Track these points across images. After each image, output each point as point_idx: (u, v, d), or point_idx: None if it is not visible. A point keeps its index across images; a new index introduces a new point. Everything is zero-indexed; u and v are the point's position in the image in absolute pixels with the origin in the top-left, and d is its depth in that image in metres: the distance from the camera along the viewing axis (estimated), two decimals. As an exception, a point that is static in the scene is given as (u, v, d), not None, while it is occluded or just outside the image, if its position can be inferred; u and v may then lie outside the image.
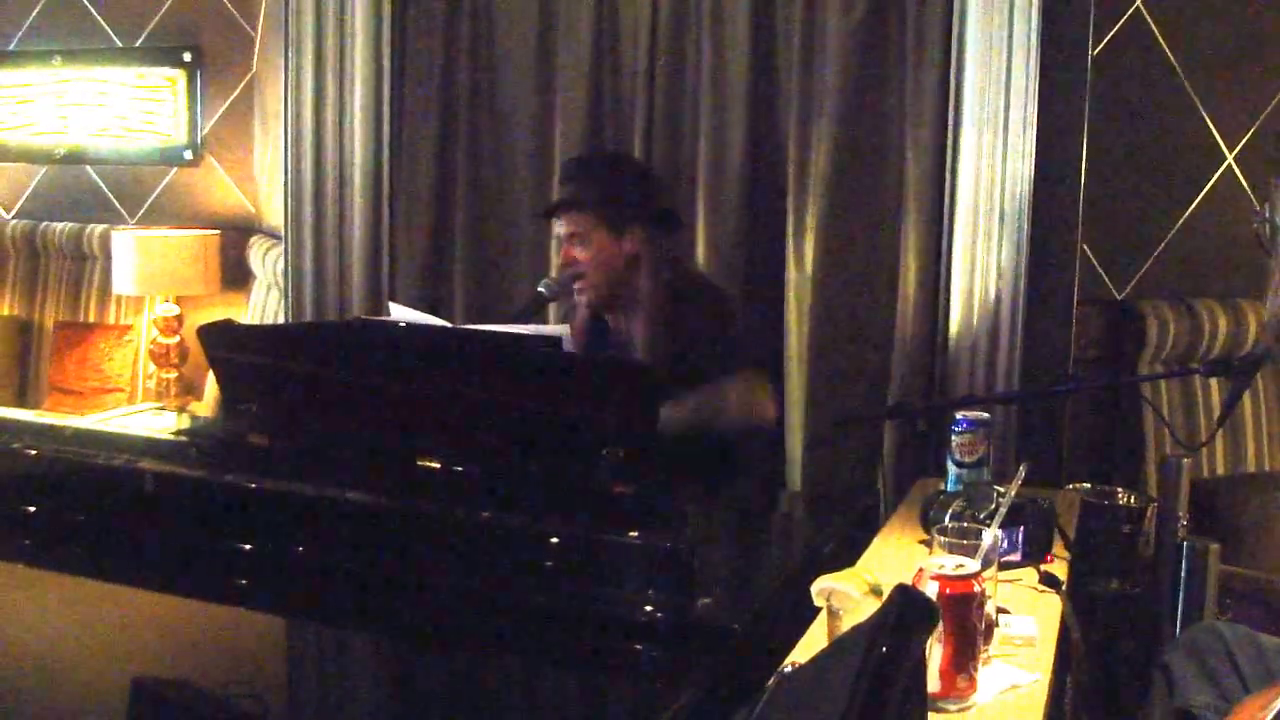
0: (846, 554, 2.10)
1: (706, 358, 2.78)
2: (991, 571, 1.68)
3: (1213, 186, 3.33)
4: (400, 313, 2.72)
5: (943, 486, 2.39)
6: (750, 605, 1.81)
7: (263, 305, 4.22)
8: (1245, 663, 1.91)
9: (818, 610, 1.64)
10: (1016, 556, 2.08)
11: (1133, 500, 2.65)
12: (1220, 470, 3.27)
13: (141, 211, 4.80)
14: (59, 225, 4.83)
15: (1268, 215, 2.10)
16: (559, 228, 2.86)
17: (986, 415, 2.40)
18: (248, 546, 1.96)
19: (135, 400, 4.54)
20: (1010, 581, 2.01)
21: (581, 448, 2.04)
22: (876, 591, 1.56)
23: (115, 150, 4.81)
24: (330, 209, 3.67)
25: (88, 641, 1.83)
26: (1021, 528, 2.09)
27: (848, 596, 1.57)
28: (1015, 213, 3.02)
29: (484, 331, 2.37)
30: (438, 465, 2.11)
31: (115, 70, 4.76)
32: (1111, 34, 3.17)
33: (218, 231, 4.54)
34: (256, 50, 4.47)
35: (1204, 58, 3.28)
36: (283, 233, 3.72)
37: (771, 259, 3.39)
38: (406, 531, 1.92)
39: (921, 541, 2.19)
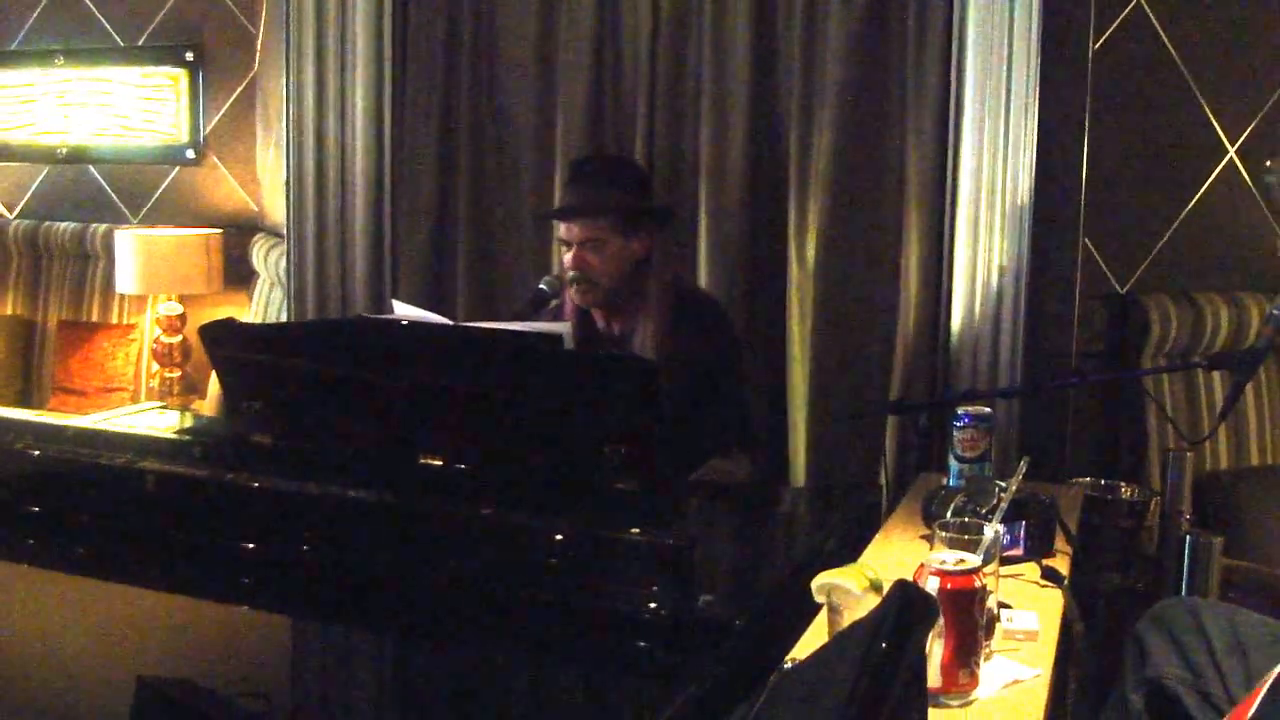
0: (848, 550, 2.10)
1: (706, 365, 2.80)
2: (993, 566, 1.69)
3: (1215, 180, 3.32)
4: (402, 310, 2.72)
5: (945, 482, 2.39)
6: (751, 602, 1.81)
7: (265, 304, 4.23)
8: (1217, 636, 1.91)
9: (819, 606, 1.64)
10: (1018, 551, 2.09)
11: (1135, 494, 2.66)
12: (1223, 464, 3.27)
13: (144, 211, 4.81)
14: (62, 225, 4.84)
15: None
16: (567, 232, 2.85)
17: (988, 410, 2.40)
18: (251, 545, 1.97)
19: (138, 399, 4.54)
20: (1012, 576, 2.01)
21: (583, 444, 2.04)
22: (877, 587, 1.56)
23: (118, 149, 4.82)
24: (332, 207, 3.68)
25: (91, 641, 1.84)
26: (1023, 523, 2.09)
27: (848, 592, 1.57)
28: (1017, 207, 3.02)
29: (486, 329, 2.38)
30: (440, 463, 2.12)
31: (117, 70, 4.77)
32: (1113, 28, 3.17)
33: (220, 230, 4.55)
34: (258, 49, 4.48)
35: (1205, 51, 3.28)
36: (285, 231, 3.73)
37: (773, 256, 3.39)
38: (409, 529, 1.93)
39: (923, 537, 2.19)
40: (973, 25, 3.03)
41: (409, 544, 1.91)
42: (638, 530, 1.79)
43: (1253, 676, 1.85)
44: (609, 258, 2.82)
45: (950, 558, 1.59)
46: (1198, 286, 3.30)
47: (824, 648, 1.31)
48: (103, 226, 4.74)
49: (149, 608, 1.92)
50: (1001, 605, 1.78)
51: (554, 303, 2.94)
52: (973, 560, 1.59)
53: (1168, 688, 1.92)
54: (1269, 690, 1.51)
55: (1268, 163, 1.74)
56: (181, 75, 4.67)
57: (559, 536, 1.79)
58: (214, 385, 4.23)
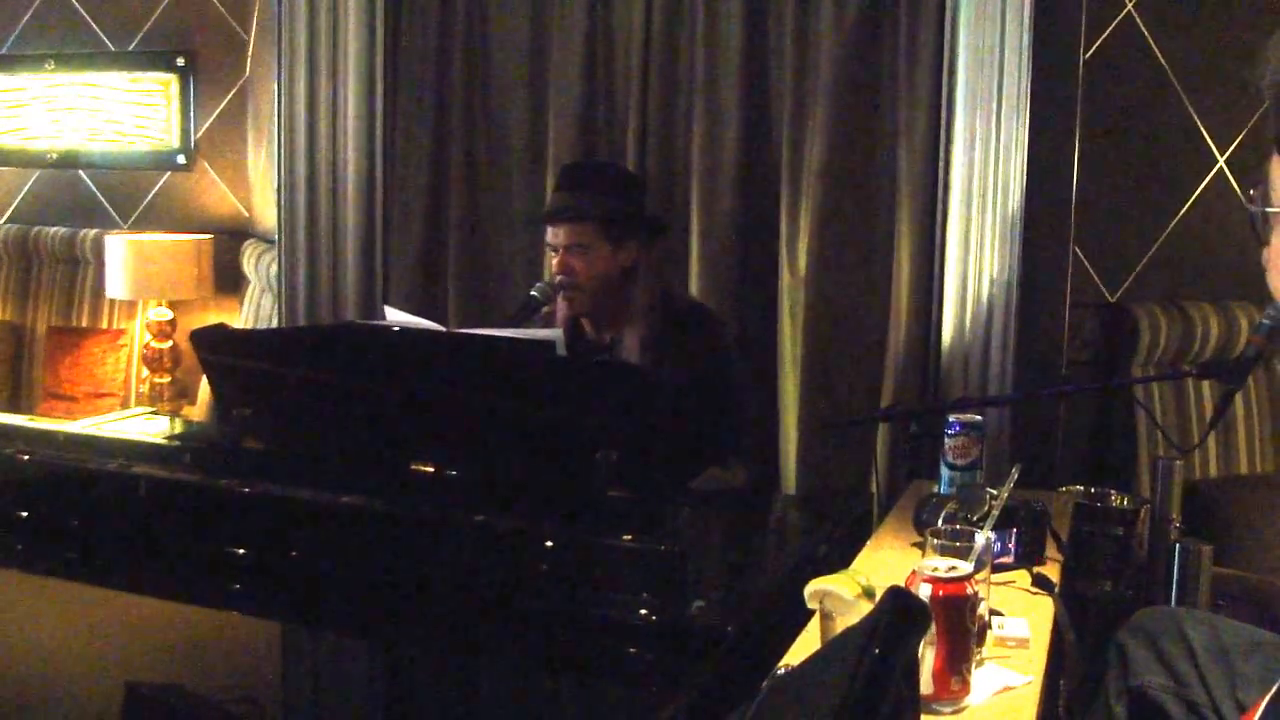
0: (840, 556, 2.10)
1: (699, 376, 2.79)
2: (984, 574, 1.69)
3: (1204, 189, 3.34)
4: (394, 316, 2.72)
5: (936, 489, 2.39)
6: (744, 608, 1.81)
7: (256, 309, 4.22)
8: (1199, 644, 1.91)
9: (811, 613, 1.64)
10: (1009, 559, 2.09)
11: (1125, 502, 2.66)
12: (1213, 472, 3.27)
13: (135, 216, 4.80)
14: (52, 230, 4.82)
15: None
16: (555, 236, 2.85)
17: (979, 418, 2.40)
18: (242, 551, 1.96)
19: (128, 405, 4.53)
20: (1003, 584, 2.01)
21: (575, 451, 2.04)
22: (869, 594, 1.56)
23: (108, 154, 4.81)
24: (324, 213, 3.67)
25: (82, 646, 1.83)
26: (1014, 530, 2.09)
27: (841, 599, 1.57)
28: (1008, 216, 3.03)
29: (477, 335, 2.37)
30: (432, 469, 2.11)
31: (108, 74, 4.76)
32: (1103, 37, 3.18)
33: (211, 236, 4.54)
34: (250, 54, 4.47)
35: (1195, 61, 3.29)
36: (276, 237, 3.72)
37: (765, 262, 3.40)
38: (400, 536, 1.92)
39: (915, 544, 2.19)
40: (964, 34, 3.04)
41: (399, 550, 1.91)
42: (630, 536, 1.79)
43: (1236, 683, 1.84)
44: (593, 264, 2.82)
45: (942, 565, 1.59)
46: (1187, 295, 3.31)
47: (817, 654, 1.31)
48: (93, 232, 4.73)
49: (139, 613, 1.92)
50: (993, 612, 1.78)
51: (546, 309, 2.94)
52: (964, 567, 1.59)
53: (1150, 696, 1.92)
54: (1268, 705, 1.51)
55: (1250, 191, 1.73)
56: (172, 80, 4.66)
57: (550, 543, 1.79)
58: (204, 391, 4.22)
